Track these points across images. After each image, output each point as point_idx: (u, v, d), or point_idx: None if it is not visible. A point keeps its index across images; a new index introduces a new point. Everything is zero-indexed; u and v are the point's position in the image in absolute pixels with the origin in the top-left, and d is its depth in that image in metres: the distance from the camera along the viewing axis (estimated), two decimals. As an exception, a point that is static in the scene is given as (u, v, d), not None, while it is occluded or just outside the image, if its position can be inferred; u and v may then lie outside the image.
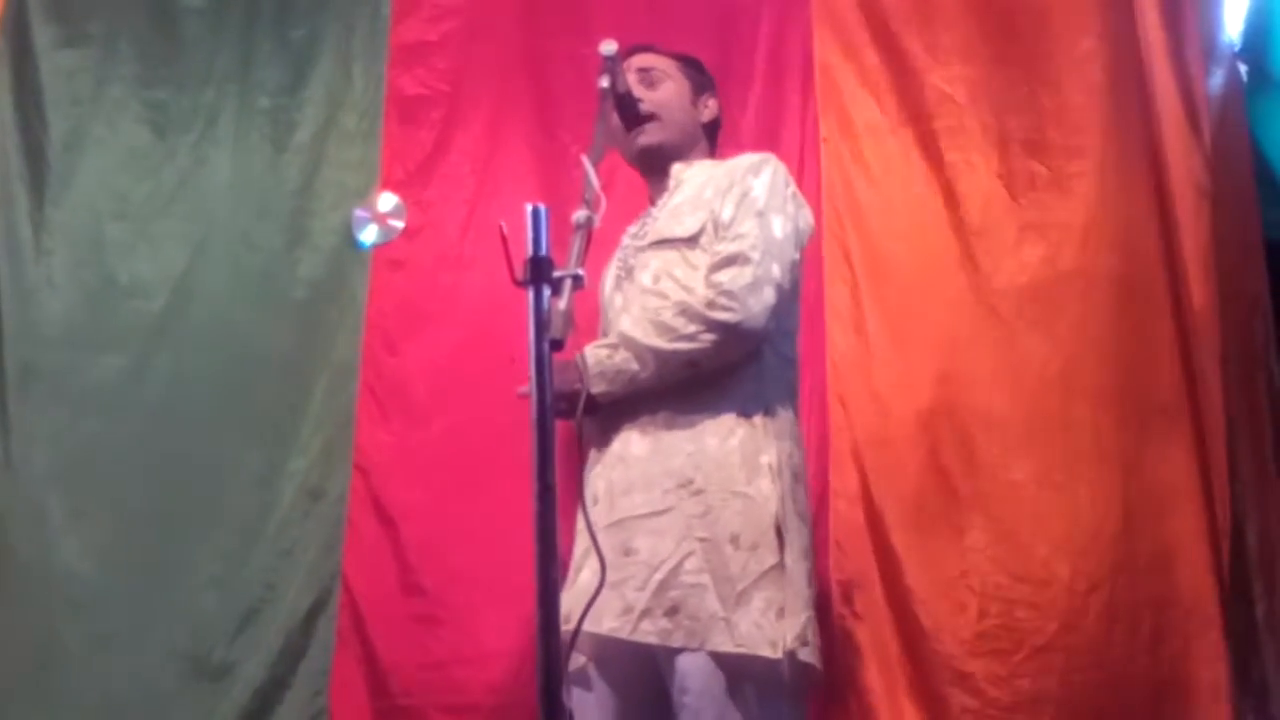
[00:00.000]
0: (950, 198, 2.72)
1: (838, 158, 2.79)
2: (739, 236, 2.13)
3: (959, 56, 2.79)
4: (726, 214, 2.16)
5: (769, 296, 2.09)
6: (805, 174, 2.77)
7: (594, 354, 2.11)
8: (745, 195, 2.17)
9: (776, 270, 2.11)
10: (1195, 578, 2.41)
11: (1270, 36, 2.65)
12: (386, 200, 2.94)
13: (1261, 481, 2.44)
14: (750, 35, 2.93)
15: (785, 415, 2.17)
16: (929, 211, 2.73)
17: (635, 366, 2.09)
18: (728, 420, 2.09)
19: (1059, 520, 2.48)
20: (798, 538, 2.08)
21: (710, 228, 2.17)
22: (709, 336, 2.07)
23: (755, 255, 2.10)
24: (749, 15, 2.95)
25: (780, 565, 2.02)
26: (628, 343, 2.11)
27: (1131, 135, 2.63)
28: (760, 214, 2.15)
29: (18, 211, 3.12)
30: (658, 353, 2.08)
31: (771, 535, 2.03)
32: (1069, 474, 2.51)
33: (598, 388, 2.09)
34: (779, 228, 2.15)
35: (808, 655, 2.03)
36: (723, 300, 2.07)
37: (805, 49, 2.88)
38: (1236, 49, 2.66)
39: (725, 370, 2.12)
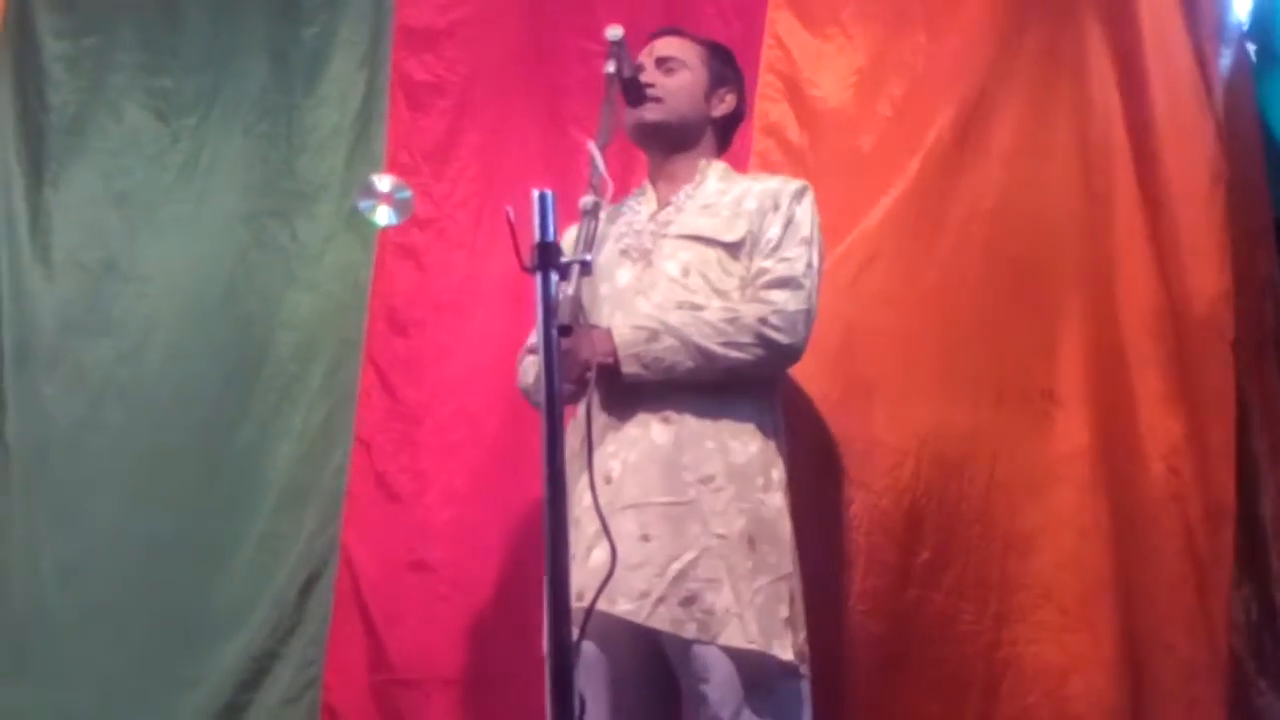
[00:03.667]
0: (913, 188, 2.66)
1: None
2: (789, 260, 2.16)
3: (925, 32, 2.71)
4: (773, 233, 2.19)
5: (809, 324, 2.15)
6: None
7: (632, 334, 2.09)
8: (791, 220, 2.20)
9: (814, 301, 2.18)
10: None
11: (1278, 16, 2.64)
12: (394, 185, 2.93)
13: (1275, 461, 2.44)
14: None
15: (783, 439, 2.22)
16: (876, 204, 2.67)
17: (678, 358, 2.08)
18: (748, 429, 2.14)
19: None
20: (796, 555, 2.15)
21: (750, 241, 2.20)
22: (759, 351, 2.10)
23: (807, 284, 2.15)
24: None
25: (791, 575, 2.09)
26: (672, 332, 2.09)
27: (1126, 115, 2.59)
28: (807, 241, 2.19)
29: (14, 192, 3.14)
30: (708, 354, 2.09)
31: (786, 545, 2.10)
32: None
33: (630, 368, 2.08)
34: (817, 259, 2.20)
35: (805, 669, 2.09)
36: (776, 320, 2.11)
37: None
38: (1245, 29, 2.65)
39: (754, 384, 2.16)
